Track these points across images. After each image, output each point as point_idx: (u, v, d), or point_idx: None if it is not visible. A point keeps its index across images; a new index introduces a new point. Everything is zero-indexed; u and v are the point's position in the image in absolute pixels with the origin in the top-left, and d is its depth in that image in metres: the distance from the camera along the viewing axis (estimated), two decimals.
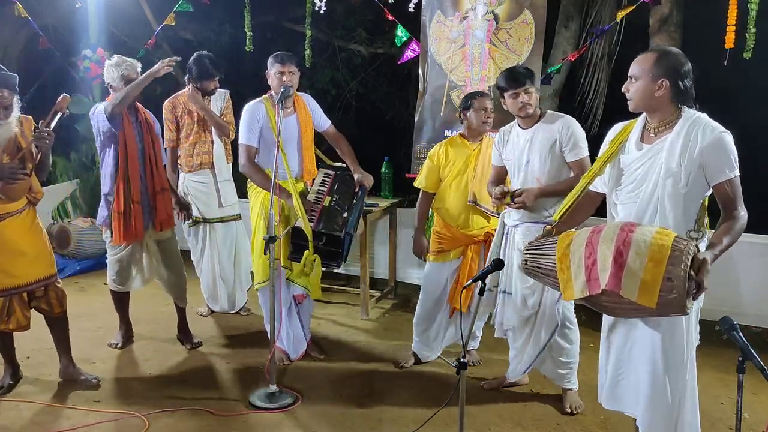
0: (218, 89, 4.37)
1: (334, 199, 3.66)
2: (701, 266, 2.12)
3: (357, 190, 3.76)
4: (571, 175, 3.14)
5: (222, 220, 4.47)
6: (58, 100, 3.20)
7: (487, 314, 4.07)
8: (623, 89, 2.45)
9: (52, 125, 3.16)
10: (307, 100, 3.84)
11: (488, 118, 3.56)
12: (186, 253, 4.58)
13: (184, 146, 4.36)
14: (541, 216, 3.16)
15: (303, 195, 3.65)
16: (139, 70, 3.75)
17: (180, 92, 4.39)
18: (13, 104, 3.19)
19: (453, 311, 3.75)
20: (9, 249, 3.22)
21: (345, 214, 3.61)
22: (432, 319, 3.78)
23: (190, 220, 4.39)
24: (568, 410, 3.31)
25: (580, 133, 3.15)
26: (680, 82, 2.33)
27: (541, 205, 3.16)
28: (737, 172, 2.29)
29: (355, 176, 3.77)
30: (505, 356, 3.55)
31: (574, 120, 3.17)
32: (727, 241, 2.25)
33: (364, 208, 4.26)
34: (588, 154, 3.14)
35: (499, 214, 3.49)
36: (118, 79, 3.68)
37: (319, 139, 3.96)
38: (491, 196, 3.25)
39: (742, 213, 2.29)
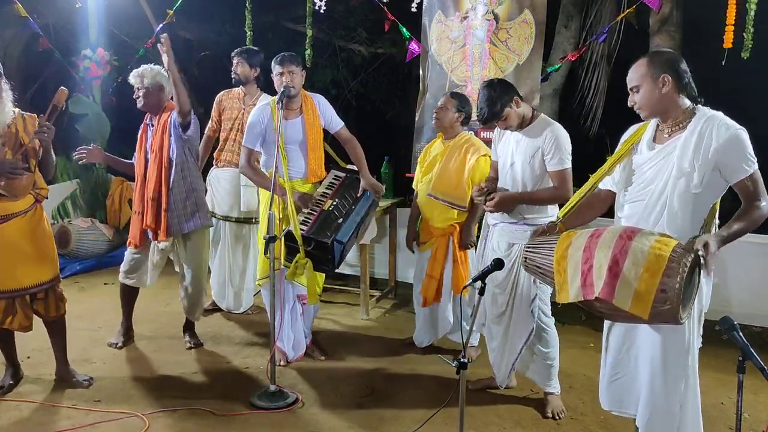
0: (264, 94, 4.34)
1: (334, 203, 3.61)
2: (705, 246, 2.10)
3: (359, 195, 3.66)
4: (551, 185, 3.09)
5: (227, 219, 4.45)
6: (57, 93, 3.19)
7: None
8: (629, 103, 2.40)
9: (52, 119, 3.16)
10: (318, 101, 3.79)
11: (433, 114, 3.80)
12: None
13: (221, 141, 4.45)
14: (520, 217, 3.17)
15: (307, 196, 3.63)
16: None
17: (234, 88, 4.47)
18: None
19: (425, 301, 3.90)
20: (13, 250, 3.20)
21: (340, 221, 3.53)
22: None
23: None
24: (549, 415, 3.24)
25: (566, 144, 3.05)
26: (681, 75, 2.30)
27: (517, 209, 3.16)
28: (756, 166, 2.23)
29: (362, 182, 3.69)
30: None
31: (563, 130, 3.08)
32: (739, 226, 2.20)
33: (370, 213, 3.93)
34: (570, 166, 3.07)
35: (457, 206, 3.66)
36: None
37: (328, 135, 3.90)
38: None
39: (764, 203, 2.23)
